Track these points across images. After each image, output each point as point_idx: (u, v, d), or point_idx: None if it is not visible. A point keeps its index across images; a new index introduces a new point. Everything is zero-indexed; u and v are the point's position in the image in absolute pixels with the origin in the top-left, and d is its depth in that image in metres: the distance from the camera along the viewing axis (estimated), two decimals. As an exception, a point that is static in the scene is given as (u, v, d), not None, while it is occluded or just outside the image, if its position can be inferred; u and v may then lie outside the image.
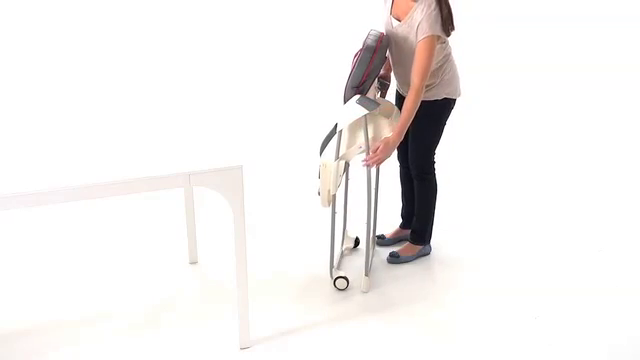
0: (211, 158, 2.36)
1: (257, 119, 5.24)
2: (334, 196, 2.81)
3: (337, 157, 2.74)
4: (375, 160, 2.71)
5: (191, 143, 2.54)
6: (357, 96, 2.72)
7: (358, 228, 3.44)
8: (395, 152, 3.19)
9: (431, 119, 2.94)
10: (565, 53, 6.04)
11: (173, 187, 2.25)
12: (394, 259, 3.18)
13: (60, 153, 2.43)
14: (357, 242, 3.35)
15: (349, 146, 2.78)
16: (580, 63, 5.96)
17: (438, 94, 2.89)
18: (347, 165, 2.85)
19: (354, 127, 2.82)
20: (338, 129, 2.73)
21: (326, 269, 3.13)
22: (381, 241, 3.36)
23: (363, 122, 2.71)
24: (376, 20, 3.10)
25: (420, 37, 2.65)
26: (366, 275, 2.94)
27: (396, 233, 3.37)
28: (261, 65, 5.83)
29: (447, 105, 2.94)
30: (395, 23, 2.80)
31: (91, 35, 5.54)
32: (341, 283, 2.95)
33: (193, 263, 3.20)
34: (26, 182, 2.14)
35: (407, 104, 2.71)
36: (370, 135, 2.75)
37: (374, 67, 2.75)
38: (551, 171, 4.44)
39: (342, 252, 3.27)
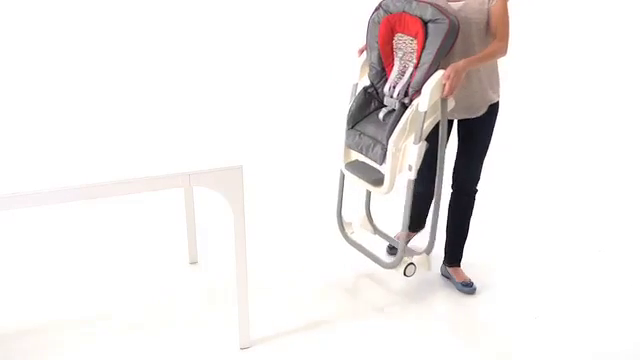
0: (211, 158, 2.36)
1: (257, 119, 5.24)
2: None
3: (420, 138, 2.62)
4: (450, 89, 2.53)
5: (191, 143, 2.54)
6: (440, 71, 2.58)
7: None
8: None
9: (490, 127, 2.81)
10: (564, 53, 6.04)
11: (173, 187, 2.25)
12: (469, 289, 2.96)
13: (60, 153, 2.43)
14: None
15: (429, 119, 2.65)
16: (579, 63, 5.96)
17: (492, 98, 2.73)
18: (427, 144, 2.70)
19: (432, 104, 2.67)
20: (421, 109, 2.59)
21: (325, 268, 3.13)
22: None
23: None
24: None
25: (494, 1, 2.57)
26: (428, 254, 2.89)
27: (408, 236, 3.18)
28: (261, 65, 5.82)
29: (498, 108, 2.79)
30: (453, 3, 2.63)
31: (91, 35, 5.54)
32: (411, 270, 2.84)
33: (193, 263, 3.20)
34: (26, 182, 2.14)
35: (489, 49, 2.56)
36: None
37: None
38: (550, 171, 4.44)
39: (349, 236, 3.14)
